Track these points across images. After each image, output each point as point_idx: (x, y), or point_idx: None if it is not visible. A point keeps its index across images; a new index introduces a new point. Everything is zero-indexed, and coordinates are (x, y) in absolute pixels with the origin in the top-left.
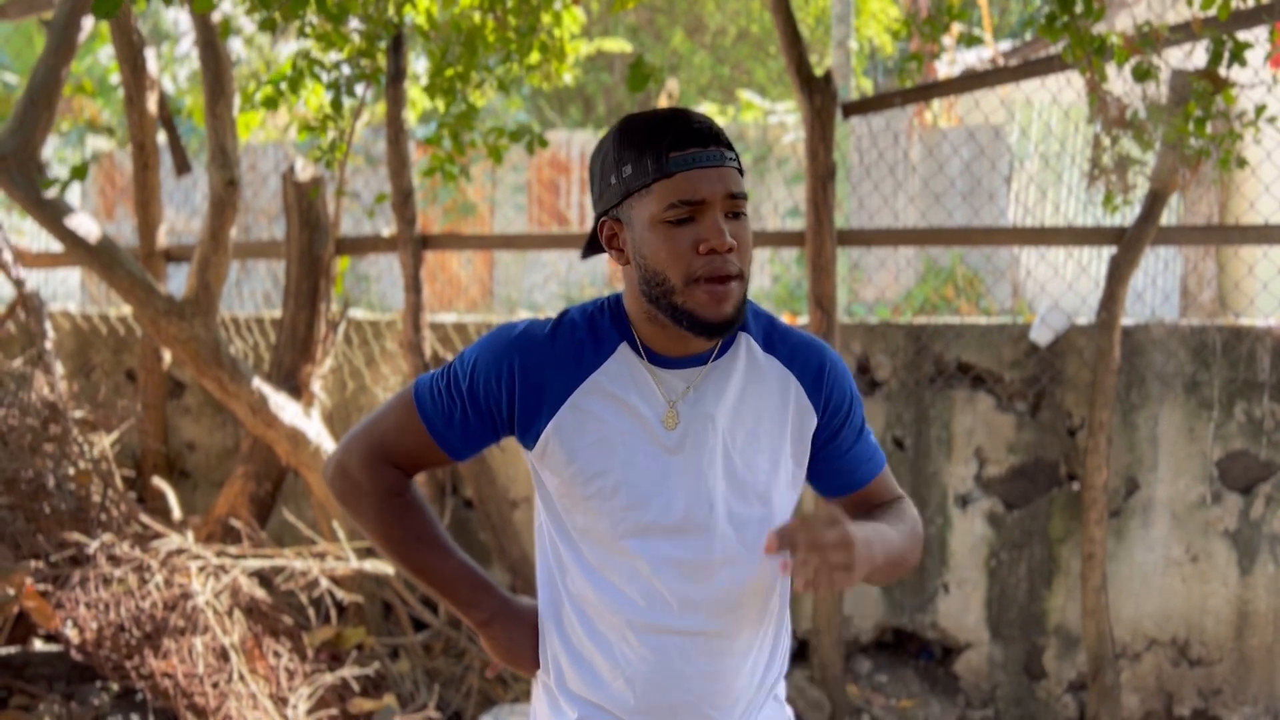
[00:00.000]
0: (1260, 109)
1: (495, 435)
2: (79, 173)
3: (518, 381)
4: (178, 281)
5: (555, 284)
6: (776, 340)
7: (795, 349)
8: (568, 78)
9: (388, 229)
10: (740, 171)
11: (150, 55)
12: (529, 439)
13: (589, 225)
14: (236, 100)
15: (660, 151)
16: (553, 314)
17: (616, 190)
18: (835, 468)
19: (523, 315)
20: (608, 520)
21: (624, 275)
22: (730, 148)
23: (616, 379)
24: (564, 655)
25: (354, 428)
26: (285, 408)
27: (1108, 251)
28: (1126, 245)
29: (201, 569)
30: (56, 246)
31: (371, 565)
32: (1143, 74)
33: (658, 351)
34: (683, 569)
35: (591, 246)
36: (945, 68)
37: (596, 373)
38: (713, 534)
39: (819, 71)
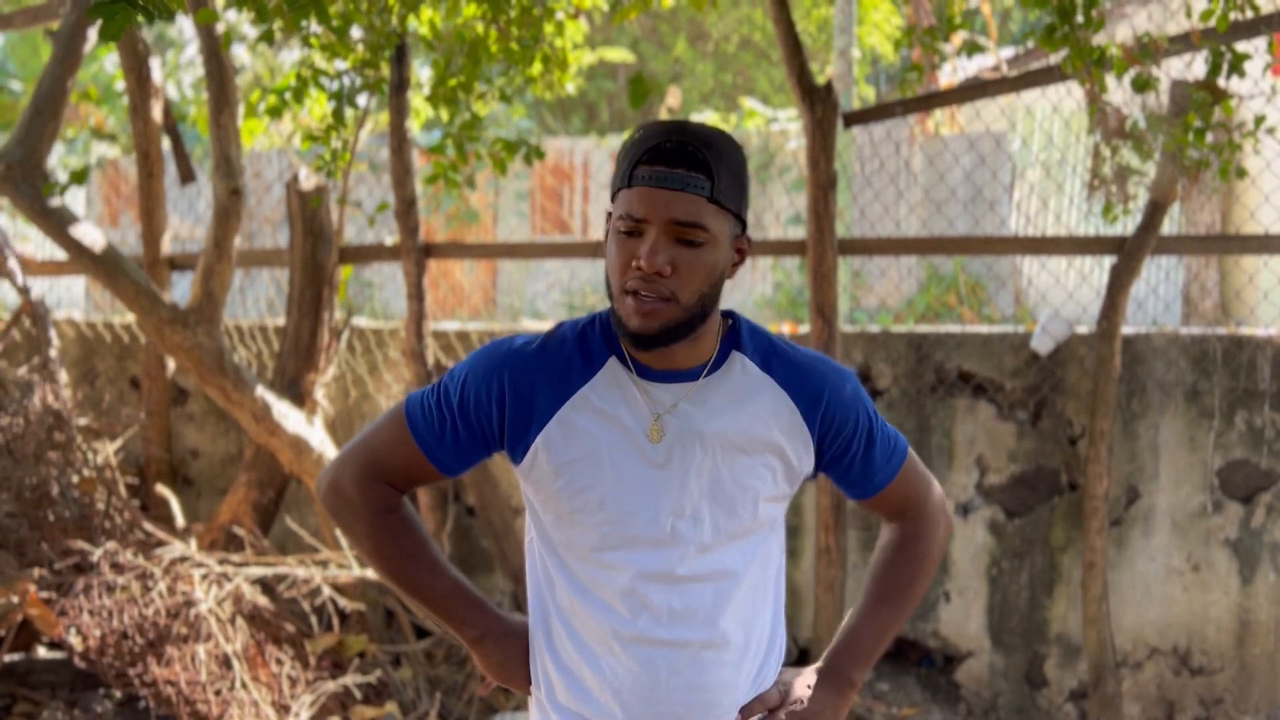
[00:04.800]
0: (1259, 119)
1: (487, 450)
2: (78, 177)
3: (508, 397)
4: (182, 289)
5: (558, 292)
6: (775, 360)
7: (794, 371)
8: (570, 87)
9: (391, 237)
10: (713, 198)
11: (155, 64)
12: (517, 454)
13: (591, 233)
14: (240, 109)
15: (633, 161)
16: (555, 322)
17: (611, 187)
18: (848, 479)
19: (526, 323)
20: (594, 534)
21: None
22: (708, 174)
23: (604, 393)
24: (553, 668)
25: (346, 445)
26: (288, 415)
27: (1109, 260)
28: (1127, 254)
29: (204, 576)
30: (61, 254)
31: (374, 573)
32: (1142, 85)
33: (647, 365)
34: (668, 582)
35: None
36: (948, 76)
37: (585, 387)
38: (698, 548)
39: (821, 80)
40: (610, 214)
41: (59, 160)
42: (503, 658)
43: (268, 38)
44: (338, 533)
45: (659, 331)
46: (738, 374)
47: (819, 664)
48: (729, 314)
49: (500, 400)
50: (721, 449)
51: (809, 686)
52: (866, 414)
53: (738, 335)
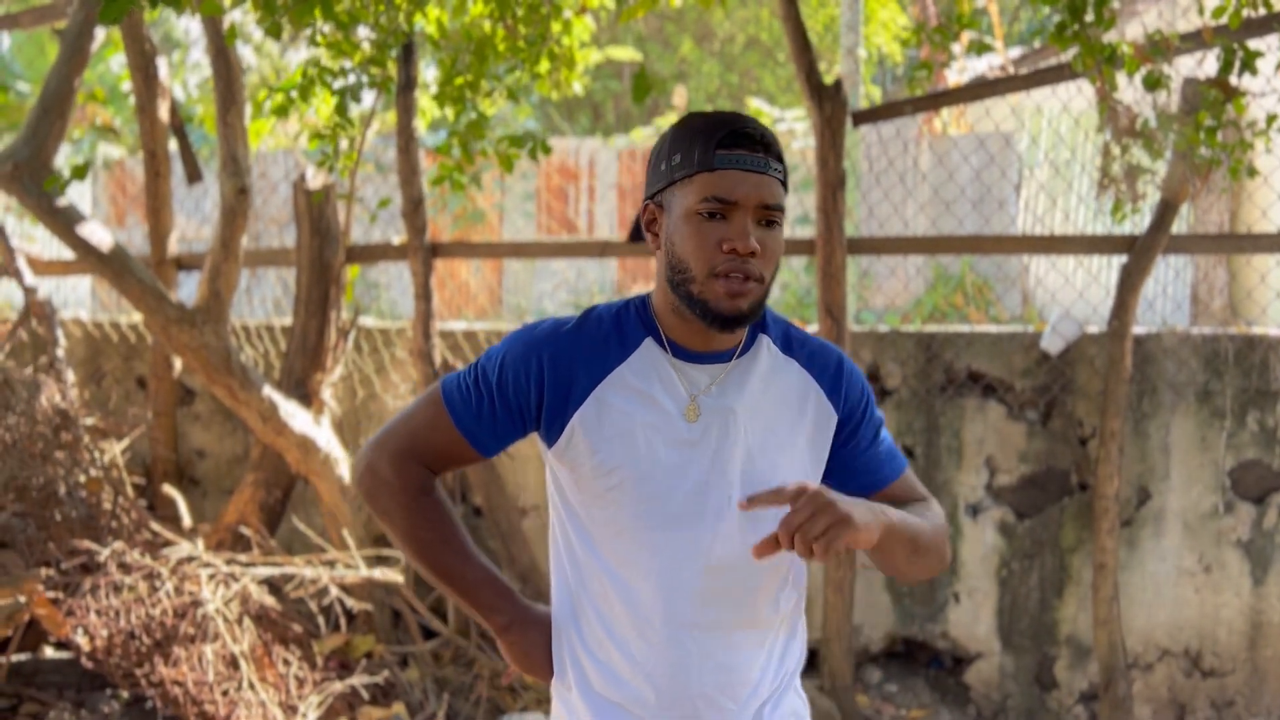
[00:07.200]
0: (1271, 118)
1: (523, 430)
2: (79, 172)
3: (546, 376)
4: (189, 289)
5: (564, 292)
6: (795, 344)
7: (814, 352)
8: (577, 86)
9: (398, 237)
10: (784, 185)
11: (162, 64)
12: (553, 433)
13: (598, 233)
14: (248, 108)
15: (709, 146)
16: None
17: (663, 176)
18: (856, 467)
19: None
20: (628, 512)
21: (656, 264)
22: (780, 159)
23: (640, 373)
24: (584, 655)
25: (383, 427)
26: (295, 415)
27: (1119, 260)
28: (1138, 254)
29: (211, 577)
30: (68, 254)
31: (381, 573)
32: (1153, 82)
33: (683, 346)
34: (700, 562)
35: (636, 232)
36: (955, 75)
37: (621, 366)
38: (730, 527)
39: (828, 79)
40: (650, 204)
41: (66, 160)
42: (528, 646)
43: (273, 31)
44: (345, 533)
45: (747, 311)
46: (765, 356)
47: None
48: None
49: (539, 380)
50: (755, 429)
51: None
52: (872, 397)
53: (763, 319)
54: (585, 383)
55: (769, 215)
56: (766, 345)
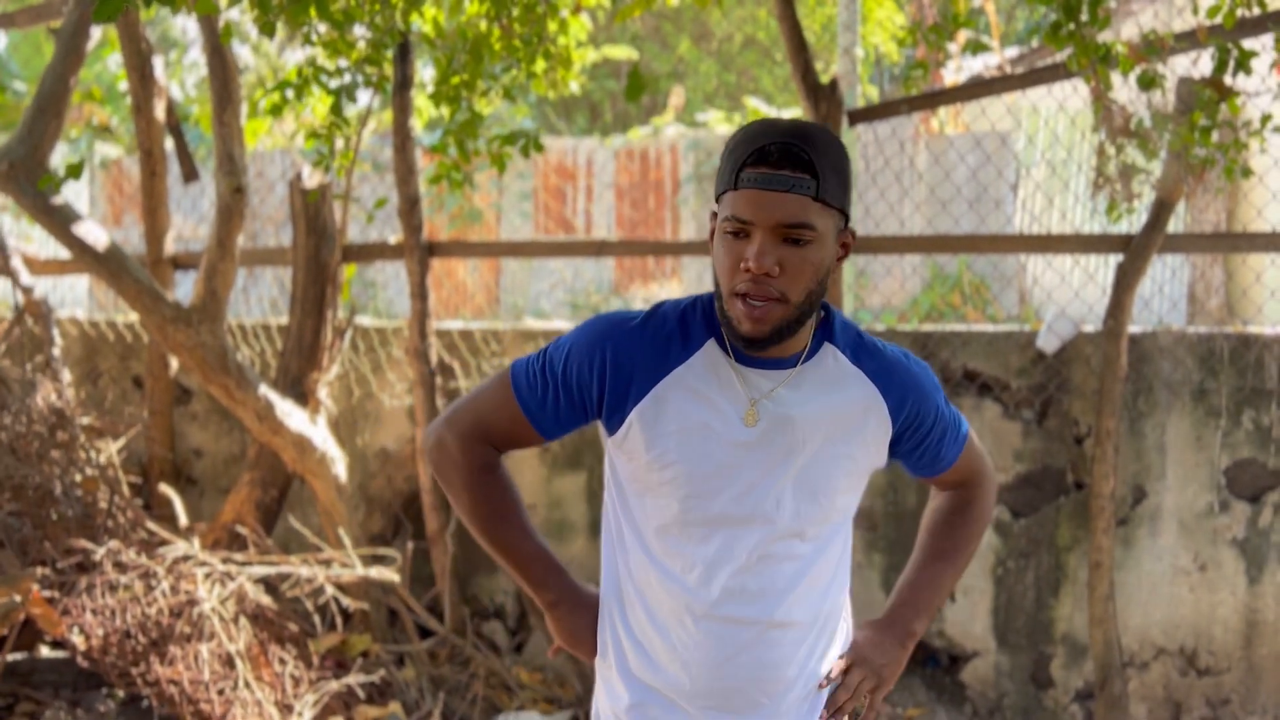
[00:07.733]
0: (1266, 118)
1: (585, 418)
2: (74, 171)
3: (609, 369)
4: (185, 288)
5: (562, 291)
6: (864, 354)
7: (883, 366)
8: (574, 85)
9: (394, 236)
10: (819, 197)
11: (158, 63)
12: (613, 424)
13: (595, 232)
14: (244, 108)
15: (736, 164)
16: (561, 321)
17: (716, 190)
18: (919, 464)
19: (529, 322)
20: (678, 506)
21: None
22: (813, 173)
23: (700, 374)
24: (625, 638)
25: (454, 404)
26: (291, 414)
27: (1115, 259)
28: (1133, 253)
29: (207, 576)
30: (64, 253)
31: (377, 572)
32: (1148, 82)
33: (744, 350)
34: (745, 560)
35: None
36: (952, 74)
37: (681, 367)
38: (778, 529)
39: (825, 79)
40: (714, 215)
41: (62, 159)
42: (573, 624)
43: (267, 30)
44: (341, 532)
45: (770, 334)
46: (830, 365)
47: (880, 617)
48: (823, 305)
49: (601, 372)
50: (811, 436)
51: (871, 643)
52: (941, 406)
53: (830, 327)
54: (646, 379)
55: (791, 233)
56: (833, 354)
